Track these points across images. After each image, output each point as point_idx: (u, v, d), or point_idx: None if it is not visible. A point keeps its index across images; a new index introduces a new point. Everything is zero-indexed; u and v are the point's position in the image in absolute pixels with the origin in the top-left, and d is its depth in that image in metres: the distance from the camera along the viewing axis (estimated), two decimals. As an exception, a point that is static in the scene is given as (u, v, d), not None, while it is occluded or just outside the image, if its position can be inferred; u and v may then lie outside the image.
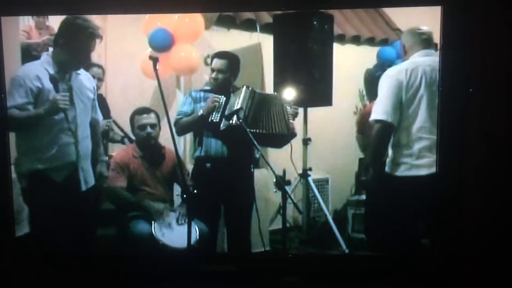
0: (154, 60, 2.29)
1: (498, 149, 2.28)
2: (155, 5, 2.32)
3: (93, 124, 2.48)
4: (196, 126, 2.57)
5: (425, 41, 2.38)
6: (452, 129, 2.28)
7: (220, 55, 2.54)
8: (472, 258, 2.36)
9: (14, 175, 2.42)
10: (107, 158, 2.56)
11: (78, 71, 2.41)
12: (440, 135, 2.29)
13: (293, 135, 2.58)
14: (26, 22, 2.48)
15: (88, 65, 2.49)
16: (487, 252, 2.35)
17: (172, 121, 2.45)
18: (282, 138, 2.57)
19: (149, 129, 2.53)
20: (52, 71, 2.33)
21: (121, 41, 2.53)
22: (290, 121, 2.57)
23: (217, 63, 2.54)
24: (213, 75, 2.55)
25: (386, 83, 2.40)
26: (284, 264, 2.51)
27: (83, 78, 2.43)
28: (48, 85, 2.32)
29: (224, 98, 2.54)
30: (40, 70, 2.33)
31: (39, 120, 2.32)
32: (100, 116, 2.52)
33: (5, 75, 2.35)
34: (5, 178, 2.41)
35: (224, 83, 2.56)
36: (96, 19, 2.39)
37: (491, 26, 2.21)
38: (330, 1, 2.36)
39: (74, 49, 2.36)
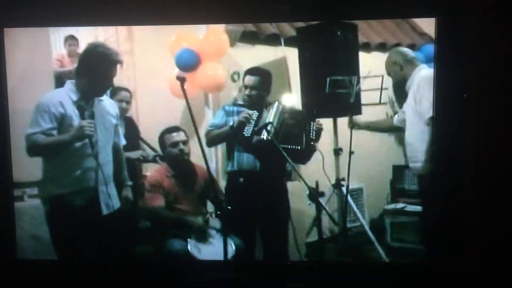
0: (182, 80, 2.34)
1: (494, 152, 2.34)
2: (159, 16, 2.40)
3: (115, 149, 2.52)
4: (226, 138, 2.59)
5: (415, 59, 2.50)
6: (446, 134, 2.35)
7: (252, 71, 2.54)
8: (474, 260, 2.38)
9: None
10: (131, 182, 2.58)
11: (101, 98, 2.48)
12: (435, 140, 2.36)
13: (313, 151, 2.58)
14: (58, 50, 2.56)
15: (115, 89, 2.56)
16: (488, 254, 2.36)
17: (203, 137, 2.49)
18: (304, 154, 2.57)
19: (181, 146, 2.56)
20: (75, 98, 2.40)
21: (149, 63, 2.58)
22: (311, 137, 2.56)
23: (250, 80, 2.55)
24: (247, 92, 2.56)
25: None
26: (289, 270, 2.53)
27: (106, 104, 2.49)
28: (71, 111, 2.39)
29: (257, 114, 2.55)
30: (64, 97, 2.40)
31: (64, 145, 2.39)
32: (122, 141, 2.56)
33: (7, 83, 2.44)
34: (7, 200, 2.49)
35: (258, 100, 2.57)
36: (124, 43, 2.50)
37: (483, 35, 2.29)
38: (325, 12, 2.42)
39: (96, 76, 2.42)
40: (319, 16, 2.43)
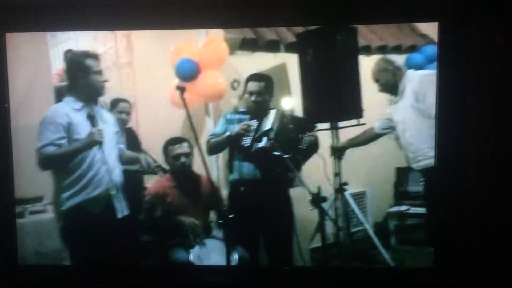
0: (181, 89, 2.35)
1: (494, 156, 2.34)
2: (156, 21, 2.40)
3: (120, 156, 2.57)
4: (225, 146, 2.61)
5: (402, 65, 2.57)
6: (450, 137, 2.35)
7: (257, 77, 2.55)
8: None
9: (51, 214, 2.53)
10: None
11: (99, 107, 2.51)
12: (438, 143, 2.38)
13: (302, 161, 2.59)
14: (58, 65, 2.57)
15: (115, 101, 2.59)
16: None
17: (204, 146, 2.51)
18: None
19: (183, 159, 2.56)
20: (78, 107, 2.44)
21: (149, 74, 2.59)
22: (303, 147, 2.56)
23: (255, 85, 2.55)
24: (253, 98, 2.56)
25: None
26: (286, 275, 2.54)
27: (104, 113, 2.53)
28: (77, 119, 2.43)
29: (257, 123, 2.56)
30: (67, 108, 2.44)
31: (76, 154, 2.42)
32: (124, 149, 2.59)
33: (8, 87, 2.46)
34: (8, 205, 2.51)
35: (263, 105, 2.57)
36: (123, 55, 2.54)
37: (486, 39, 2.29)
38: (327, 18, 2.43)
39: (86, 77, 2.44)
40: (321, 21, 2.44)
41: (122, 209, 2.51)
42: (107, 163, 2.46)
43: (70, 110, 2.43)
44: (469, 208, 2.37)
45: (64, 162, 2.43)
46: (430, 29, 2.44)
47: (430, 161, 2.46)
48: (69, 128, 2.41)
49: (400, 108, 2.56)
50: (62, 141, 2.41)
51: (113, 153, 2.51)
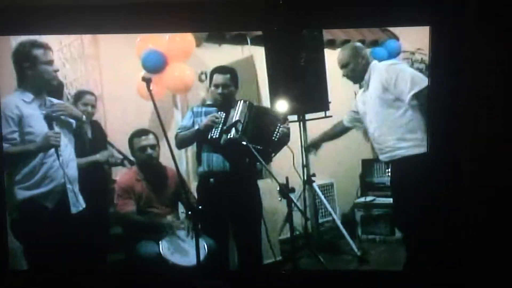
0: (147, 81, 2.30)
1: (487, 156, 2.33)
2: (146, 25, 2.36)
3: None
4: (194, 140, 2.59)
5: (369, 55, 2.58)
6: (441, 144, 2.36)
7: (222, 70, 2.55)
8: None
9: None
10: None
11: (52, 100, 2.43)
12: (430, 147, 2.38)
13: (271, 153, 2.60)
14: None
15: (80, 93, 2.54)
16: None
17: (172, 139, 2.48)
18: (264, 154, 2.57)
19: (149, 151, 2.54)
20: (28, 99, 2.37)
21: (116, 66, 2.55)
22: (275, 139, 2.57)
23: (220, 78, 2.55)
24: (219, 90, 2.56)
25: (405, 67, 2.50)
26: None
27: (56, 103, 2.45)
28: (27, 111, 2.36)
29: (224, 115, 2.55)
30: (17, 101, 2.36)
31: (29, 155, 2.36)
32: None
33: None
34: None
35: (229, 97, 2.57)
36: (89, 47, 2.49)
37: (478, 43, 2.28)
38: (321, 22, 2.43)
39: (32, 68, 2.36)
40: (309, 25, 2.46)
41: (76, 204, 2.46)
42: (62, 156, 2.41)
43: (20, 103, 2.36)
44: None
45: (16, 161, 2.37)
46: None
47: (396, 153, 2.50)
48: (20, 121, 2.34)
49: (366, 100, 2.58)
50: (14, 135, 2.34)
51: (68, 144, 2.45)
